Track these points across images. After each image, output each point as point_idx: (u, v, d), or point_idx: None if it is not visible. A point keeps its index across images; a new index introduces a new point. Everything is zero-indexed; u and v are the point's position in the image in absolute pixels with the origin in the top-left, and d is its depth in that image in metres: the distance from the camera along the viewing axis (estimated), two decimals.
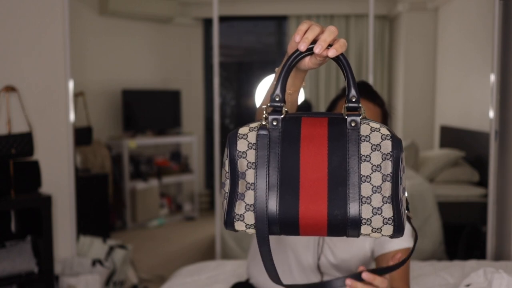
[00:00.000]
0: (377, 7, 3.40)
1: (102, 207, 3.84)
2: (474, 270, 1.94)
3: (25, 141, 2.43)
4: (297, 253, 1.44)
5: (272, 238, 1.42)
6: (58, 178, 2.75)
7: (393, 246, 1.37)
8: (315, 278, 1.44)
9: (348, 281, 0.97)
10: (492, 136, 2.75)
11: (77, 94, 3.38)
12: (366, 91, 1.43)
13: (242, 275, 1.99)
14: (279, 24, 5.45)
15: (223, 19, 4.28)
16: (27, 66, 2.65)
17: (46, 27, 2.69)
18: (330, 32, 0.79)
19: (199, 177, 5.48)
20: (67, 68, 2.74)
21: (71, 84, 2.78)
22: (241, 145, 0.78)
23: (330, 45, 0.79)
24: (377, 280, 1.02)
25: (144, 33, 5.17)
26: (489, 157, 2.77)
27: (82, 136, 3.35)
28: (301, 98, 4.58)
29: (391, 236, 0.76)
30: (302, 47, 0.80)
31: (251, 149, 0.78)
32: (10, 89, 2.48)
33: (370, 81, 3.06)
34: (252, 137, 0.78)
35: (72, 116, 2.79)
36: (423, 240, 3.31)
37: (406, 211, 0.87)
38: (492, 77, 2.73)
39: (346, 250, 1.41)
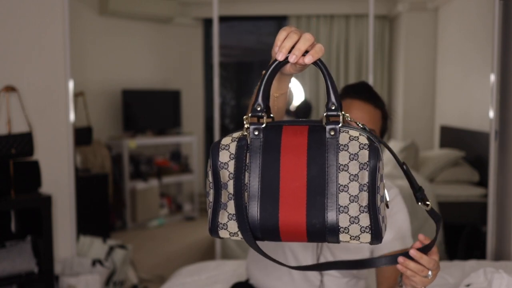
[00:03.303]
0: (377, 7, 3.40)
1: (102, 207, 3.84)
2: (474, 270, 1.94)
3: (25, 141, 2.43)
4: (296, 253, 1.43)
5: None
6: (58, 178, 2.75)
7: (392, 246, 1.36)
8: (314, 278, 1.43)
9: (401, 259, 0.97)
10: (492, 136, 2.75)
11: (77, 94, 3.38)
12: (366, 93, 1.41)
13: (242, 275, 1.99)
14: (279, 24, 5.45)
15: (223, 19, 4.27)
16: (27, 66, 2.65)
17: (46, 27, 2.69)
18: (305, 40, 0.79)
19: (199, 177, 5.48)
20: (67, 68, 2.74)
21: (71, 84, 2.78)
22: (223, 156, 0.80)
23: (307, 51, 0.79)
24: (424, 259, 1.00)
25: (144, 33, 5.17)
26: (489, 157, 2.77)
27: (82, 136, 3.35)
28: (301, 98, 4.59)
29: (370, 243, 0.78)
30: (280, 57, 0.80)
31: (232, 160, 0.79)
32: (10, 89, 2.48)
33: (370, 81, 3.06)
34: (234, 148, 0.80)
35: (72, 116, 2.79)
36: None
37: (426, 203, 0.90)
38: (492, 77, 2.73)
39: (345, 250, 1.41)
